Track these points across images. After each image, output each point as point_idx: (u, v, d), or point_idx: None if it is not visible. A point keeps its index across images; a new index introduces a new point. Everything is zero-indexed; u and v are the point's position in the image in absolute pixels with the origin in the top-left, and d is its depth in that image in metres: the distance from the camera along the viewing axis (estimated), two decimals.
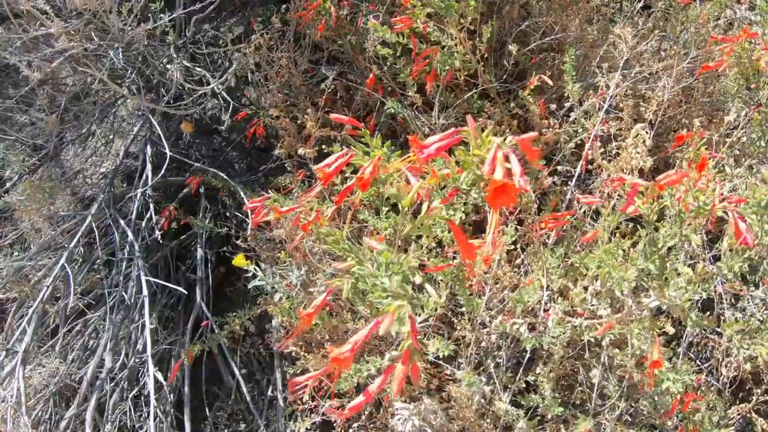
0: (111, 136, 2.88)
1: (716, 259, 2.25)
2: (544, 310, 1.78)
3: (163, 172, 2.75)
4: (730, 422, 2.14)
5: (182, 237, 2.79)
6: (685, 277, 1.27)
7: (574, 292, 1.61)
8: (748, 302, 2.19)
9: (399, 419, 1.89)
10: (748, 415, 2.20)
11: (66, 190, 2.63)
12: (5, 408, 2.11)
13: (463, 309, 2.03)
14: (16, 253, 2.60)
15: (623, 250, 1.50)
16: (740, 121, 1.95)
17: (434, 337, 1.98)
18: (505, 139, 0.88)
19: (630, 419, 2.19)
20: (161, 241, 2.75)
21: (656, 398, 1.99)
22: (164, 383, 2.55)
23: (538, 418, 1.99)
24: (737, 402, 2.23)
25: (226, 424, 2.64)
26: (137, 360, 2.48)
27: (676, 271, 1.46)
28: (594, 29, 2.36)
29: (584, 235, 1.80)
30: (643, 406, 2.03)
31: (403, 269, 0.93)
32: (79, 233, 2.22)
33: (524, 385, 2.05)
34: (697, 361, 2.24)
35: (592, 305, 1.58)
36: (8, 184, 2.52)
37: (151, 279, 2.19)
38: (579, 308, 1.68)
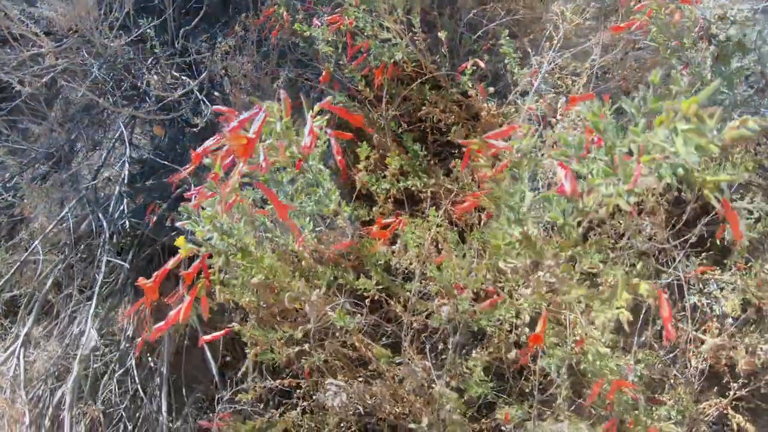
0: (115, 143, 3.16)
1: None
2: (460, 288, 1.78)
3: (155, 173, 2.98)
4: (705, 418, 2.00)
5: (173, 233, 3.02)
6: (519, 240, 1.23)
7: (475, 268, 1.61)
8: (714, 285, 2.05)
9: (329, 394, 1.95)
10: (725, 411, 2.05)
11: (73, 193, 2.93)
12: (5, 384, 2.39)
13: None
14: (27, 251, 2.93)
15: None
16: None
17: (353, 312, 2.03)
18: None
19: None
20: (155, 237, 3.00)
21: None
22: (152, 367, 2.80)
23: (473, 404, 1.97)
24: (714, 396, 2.08)
25: (209, 409, 2.80)
26: (126, 345, 2.72)
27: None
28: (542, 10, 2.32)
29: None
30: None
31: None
32: (49, 227, 2.48)
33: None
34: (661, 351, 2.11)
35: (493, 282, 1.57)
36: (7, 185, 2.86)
37: (116, 260, 2.42)
38: (486, 286, 1.67)
